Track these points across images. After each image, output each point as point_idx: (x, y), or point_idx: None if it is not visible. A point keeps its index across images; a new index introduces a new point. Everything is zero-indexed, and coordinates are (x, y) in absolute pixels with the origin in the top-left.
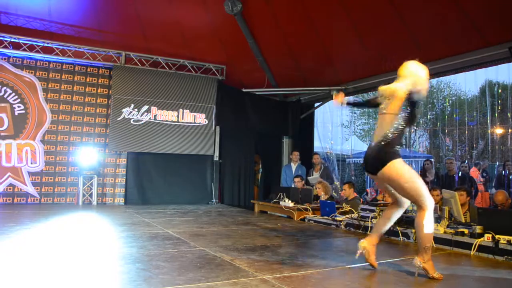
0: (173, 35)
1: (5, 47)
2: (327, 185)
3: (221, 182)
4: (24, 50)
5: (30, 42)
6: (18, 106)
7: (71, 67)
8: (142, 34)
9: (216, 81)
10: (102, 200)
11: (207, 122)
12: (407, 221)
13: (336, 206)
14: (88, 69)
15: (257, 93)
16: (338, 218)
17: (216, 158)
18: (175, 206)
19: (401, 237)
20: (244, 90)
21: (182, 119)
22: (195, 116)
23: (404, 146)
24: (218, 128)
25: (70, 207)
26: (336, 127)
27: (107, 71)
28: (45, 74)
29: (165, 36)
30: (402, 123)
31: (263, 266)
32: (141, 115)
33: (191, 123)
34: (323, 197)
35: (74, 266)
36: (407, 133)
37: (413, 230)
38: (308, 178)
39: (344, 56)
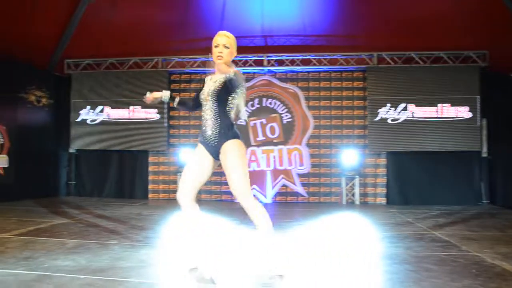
0: (425, 27)
1: (272, 65)
2: None
3: (492, 181)
4: (287, 65)
5: (291, 57)
6: (286, 115)
7: (327, 74)
8: (392, 32)
9: (478, 69)
10: (364, 200)
11: (471, 115)
12: None
13: None
14: (343, 74)
15: None
16: None
17: (484, 155)
18: (440, 206)
19: None
20: None
21: (442, 114)
22: (456, 109)
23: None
24: (485, 121)
25: (335, 206)
26: None
27: (361, 74)
28: (305, 84)
29: (417, 30)
30: None
31: None
32: (398, 114)
33: (452, 117)
34: None
35: (343, 262)
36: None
37: None
38: None
39: None
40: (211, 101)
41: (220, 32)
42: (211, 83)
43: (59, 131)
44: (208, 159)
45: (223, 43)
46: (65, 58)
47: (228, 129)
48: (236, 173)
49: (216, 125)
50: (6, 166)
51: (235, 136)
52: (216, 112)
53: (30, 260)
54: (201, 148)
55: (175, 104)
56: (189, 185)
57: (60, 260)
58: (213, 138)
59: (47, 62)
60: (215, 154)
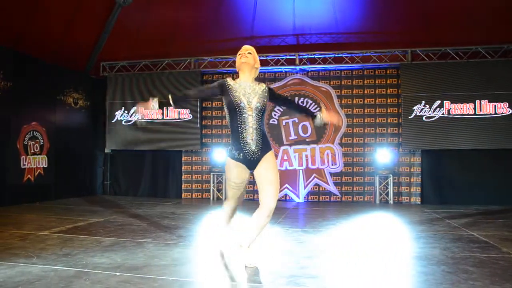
0: (461, 21)
1: (304, 63)
2: None
3: None
4: (319, 63)
5: (323, 56)
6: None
7: (360, 72)
8: (426, 28)
9: None
10: (398, 199)
11: (511, 111)
12: None
13: None
14: (376, 72)
15: None
16: None
17: None
18: (477, 206)
19: None
20: None
21: (480, 111)
22: (495, 106)
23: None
24: None
25: (368, 205)
26: None
27: (394, 71)
28: (338, 82)
29: (453, 24)
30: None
31: None
32: (433, 111)
33: (491, 114)
34: None
35: (377, 262)
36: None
37: None
38: None
39: None
40: (257, 114)
41: (242, 47)
42: (252, 93)
43: (95, 132)
44: (246, 173)
45: (245, 50)
46: (101, 61)
47: (267, 141)
48: (277, 184)
49: (259, 139)
50: (45, 166)
51: (270, 147)
52: (260, 125)
53: (69, 257)
54: (238, 168)
55: (172, 103)
56: (235, 202)
57: (97, 257)
58: (256, 152)
59: (83, 65)
60: (253, 167)
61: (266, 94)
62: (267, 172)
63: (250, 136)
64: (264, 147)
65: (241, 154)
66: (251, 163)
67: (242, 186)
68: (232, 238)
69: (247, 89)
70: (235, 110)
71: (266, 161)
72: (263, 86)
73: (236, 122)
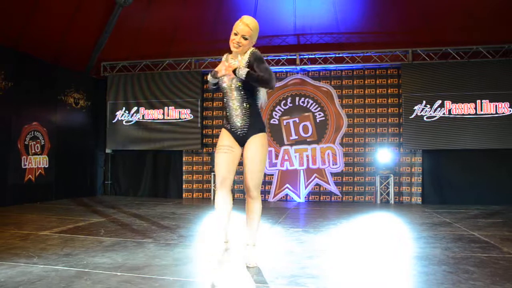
0: (461, 21)
1: (305, 63)
2: None
3: None
4: (320, 63)
5: (324, 56)
6: (319, 114)
7: (361, 72)
8: (427, 27)
9: None
10: (399, 199)
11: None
12: None
13: None
14: (377, 72)
15: None
16: None
17: None
18: (479, 206)
19: None
20: None
21: (481, 110)
22: (496, 106)
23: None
24: None
25: (369, 205)
26: None
27: (395, 71)
28: (338, 82)
29: (453, 24)
30: None
31: None
32: (434, 111)
33: (492, 114)
34: None
35: (378, 262)
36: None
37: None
38: None
39: None
40: (238, 90)
41: (244, 19)
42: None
43: (96, 132)
44: (236, 144)
45: (243, 33)
46: (102, 61)
47: (257, 120)
48: (260, 165)
49: (245, 114)
50: (46, 166)
51: (263, 129)
52: (244, 100)
53: (70, 257)
54: (227, 135)
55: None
56: (225, 169)
57: (98, 257)
58: (242, 127)
59: (84, 65)
60: (242, 143)
61: (247, 64)
62: (252, 150)
63: (235, 112)
64: (253, 124)
65: (229, 126)
66: (239, 138)
67: (230, 151)
68: (228, 242)
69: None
70: (222, 88)
71: (253, 148)
72: (247, 55)
73: (225, 98)
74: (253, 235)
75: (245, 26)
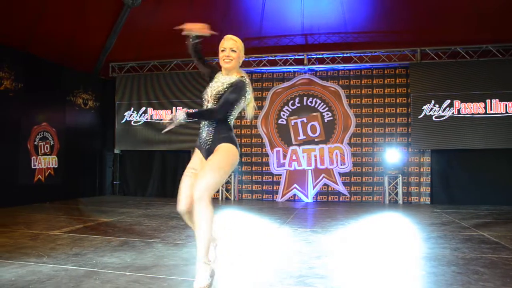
0: (470, 20)
1: (312, 63)
2: None
3: None
4: (328, 63)
5: (332, 55)
6: (327, 114)
7: (369, 71)
8: (436, 27)
9: None
10: (408, 199)
11: None
12: None
13: None
14: (385, 71)
15: None
16: None
17: None
18: (488, 206)
19: None
20: None
21: (491, 110)
22: (506, 105)
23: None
24: None
25: (377, 205)
26: None
27: (403, 70)
28: (346, 82)
29: (462, 23)
30: None
31: None
32: (443, 111)
33: (502, 113)
34: None
35: (387, 262)
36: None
37: None
38: None
39: None
40: (213, 104)
41: (227, 36)
42: (216, 85)
43: (104, 132)
44: (200, 163)
45: (230, 46)
46: (110, 62)
47: (224, 134)
48: (215, 173)
49: (212, 128)
50: (55, 166)
51: (231, 141)
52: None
53: (79, 257)
54: (197, 152)
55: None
56: (186, 191)
57: (106, 257)
58: (206, 140)
59: (93, 66)
60: (206, 157)
61: (228, 83)
62: (213, 155)
63: (203, 126)
64: (218, 136)
65: (198, 141)
66: (204, 151)
67: (194, 175)
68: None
69: (219, 81)
70: (203, 101)
71: (215, 153)
72: (233, 79)
73: None
74: (200, 248)
75: (229, 40)
